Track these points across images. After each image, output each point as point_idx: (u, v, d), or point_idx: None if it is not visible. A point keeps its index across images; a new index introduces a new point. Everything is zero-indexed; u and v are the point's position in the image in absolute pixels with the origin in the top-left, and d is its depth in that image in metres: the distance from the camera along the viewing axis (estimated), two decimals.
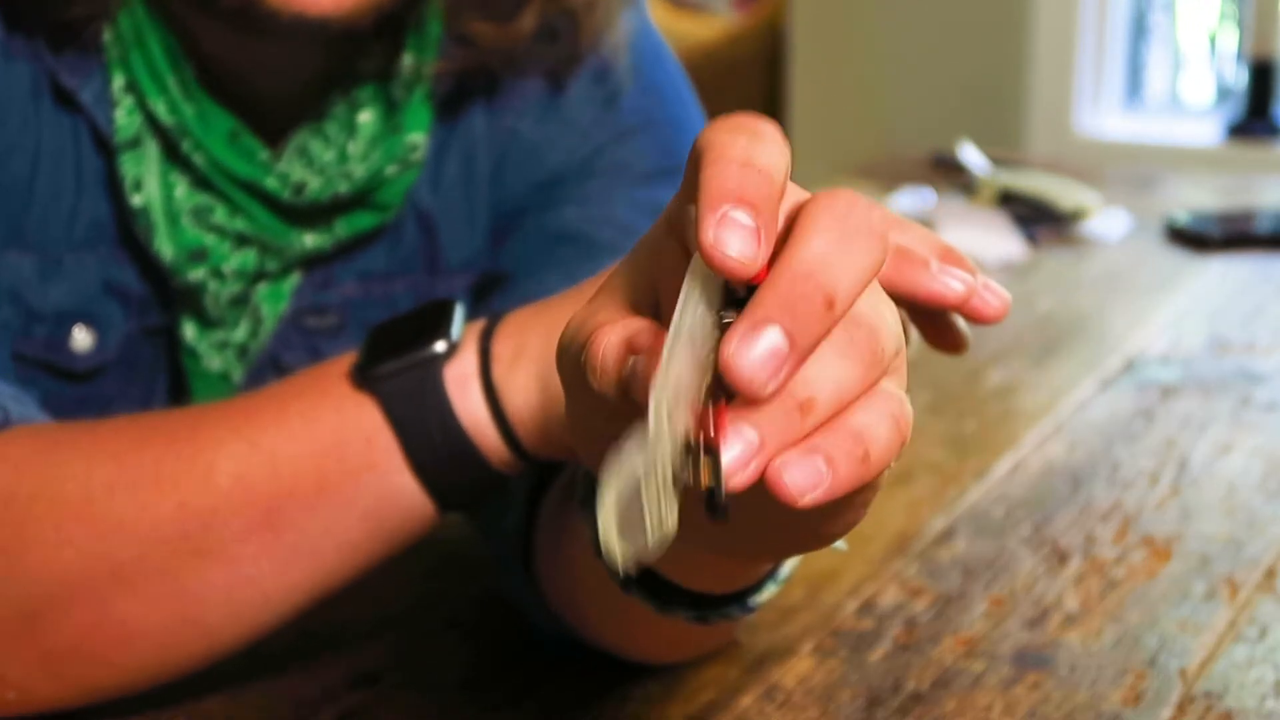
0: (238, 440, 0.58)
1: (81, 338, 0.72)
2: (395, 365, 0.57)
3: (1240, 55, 2.97)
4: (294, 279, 0.75)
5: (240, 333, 0.74)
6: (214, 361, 0.74)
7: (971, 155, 1.55)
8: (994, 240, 1.28)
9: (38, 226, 0.70)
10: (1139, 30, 3.16)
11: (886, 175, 1.58)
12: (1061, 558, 0.73)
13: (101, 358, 0.73)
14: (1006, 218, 1.28)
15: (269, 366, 0.75)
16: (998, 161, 1.57)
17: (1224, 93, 3.20)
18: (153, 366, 0.75)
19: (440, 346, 0.57)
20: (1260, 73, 2.85)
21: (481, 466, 0.58)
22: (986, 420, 0.90)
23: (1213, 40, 3.26)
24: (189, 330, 0.73)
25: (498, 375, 0.57)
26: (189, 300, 0.73)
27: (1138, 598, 0.69)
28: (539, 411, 0.57)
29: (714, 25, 3.74)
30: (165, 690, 0.60)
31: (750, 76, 3.59)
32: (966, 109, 3.04)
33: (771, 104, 3.62)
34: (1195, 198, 1.48)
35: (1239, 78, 2.90)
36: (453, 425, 0.57)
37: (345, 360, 0.59)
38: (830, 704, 0.61)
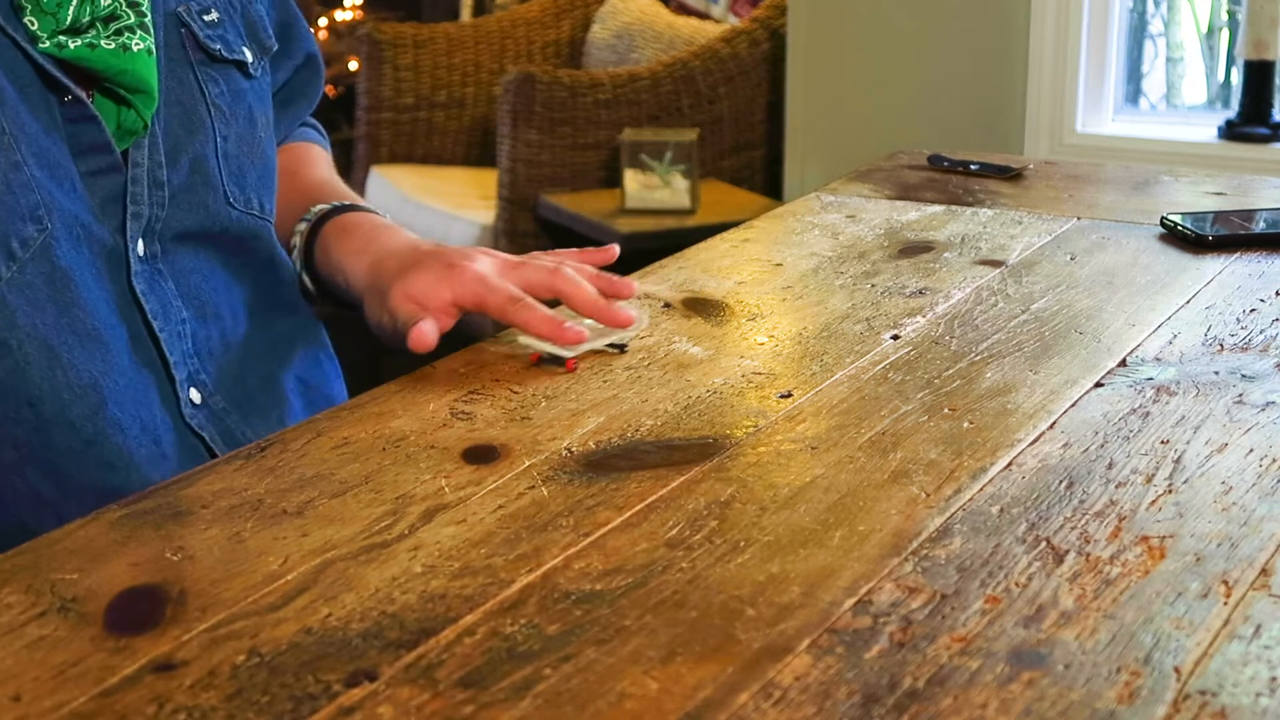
0: None
1: None
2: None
3: (1237, 56, 2.97)
4: None
5: None
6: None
7: (967, 158, 1.55)
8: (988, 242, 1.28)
9: None
10: (1137, 31, 3.16)
11: (883, 178, 1.59)
12: (1057, 556, 0.73)
13: None
14: (995, 219, 1.29)
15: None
16: (993, 164, 1.57)
17: (1222, 93, 3.20)
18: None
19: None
20: (1258, 73, 2.86)
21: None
22: (982, 419, 0.91)
23: (1210, 41, 3.26)
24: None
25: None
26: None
27: (1133, 596, 0.70)
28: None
29: (714, 28, 3.75)
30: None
31: (749, 80, 3.59)
32: (965, 110, 3.04)
33: (770, 107, 3.63)
34: (1192, 198, 1.49)
35: (1236, 78, 2.90)
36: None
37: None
38: (827, 702, 0.61)
